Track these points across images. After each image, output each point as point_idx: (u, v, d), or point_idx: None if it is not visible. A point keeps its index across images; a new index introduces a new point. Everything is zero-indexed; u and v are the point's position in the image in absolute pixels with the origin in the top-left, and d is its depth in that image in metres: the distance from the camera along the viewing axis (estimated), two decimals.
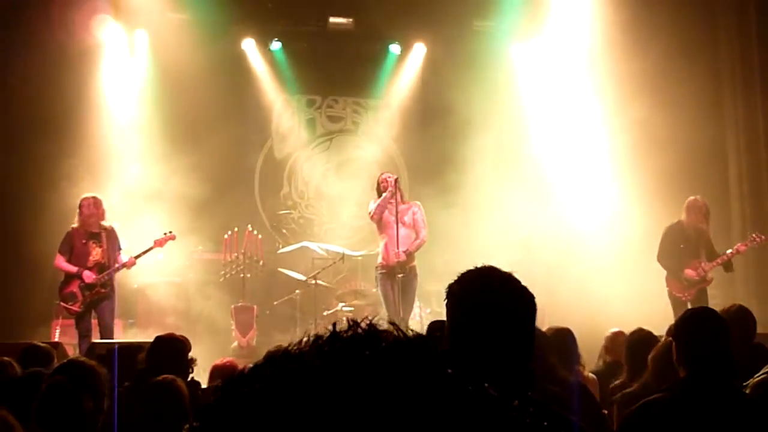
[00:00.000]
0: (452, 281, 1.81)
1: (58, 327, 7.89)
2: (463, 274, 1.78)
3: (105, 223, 7.63)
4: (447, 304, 1.77)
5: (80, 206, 7.58)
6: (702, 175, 9.67)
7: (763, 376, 3.13)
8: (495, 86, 10.58)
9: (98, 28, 9.91)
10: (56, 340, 7.65)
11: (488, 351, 1.68)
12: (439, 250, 9.99)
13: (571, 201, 10.32)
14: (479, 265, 1.81)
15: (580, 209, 10.24)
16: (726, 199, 9.98)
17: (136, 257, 7.77)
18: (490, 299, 1.72)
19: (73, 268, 7.47)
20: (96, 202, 7.59)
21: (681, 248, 7.80)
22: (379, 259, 8.08)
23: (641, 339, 4.26)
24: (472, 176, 10.27)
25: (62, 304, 7.52)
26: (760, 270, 9.44)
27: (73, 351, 7.57)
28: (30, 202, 9.27)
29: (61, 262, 7.54)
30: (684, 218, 7.85)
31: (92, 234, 7.55)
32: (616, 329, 5.41)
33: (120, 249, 7.74)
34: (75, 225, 7.59)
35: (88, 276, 7.45)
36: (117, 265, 7.64)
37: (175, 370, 3.75)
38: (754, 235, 7.96)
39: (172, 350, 4.21)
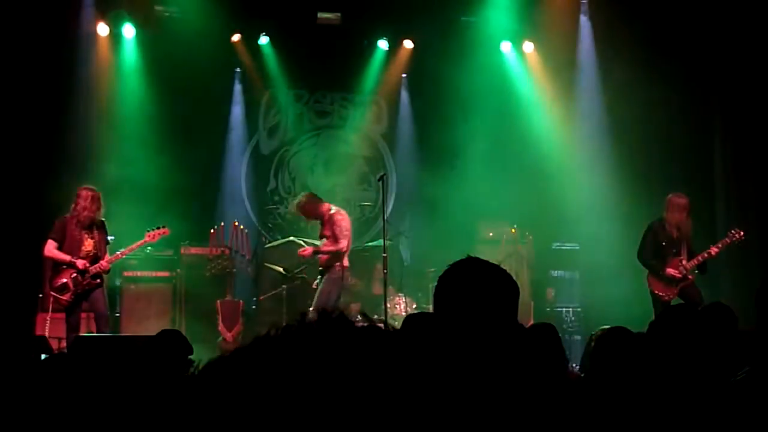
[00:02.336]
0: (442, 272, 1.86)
1: (46, 319, 7.75)
2: (450, 265, 1.83)
3: (98, 217, 7.54)
4: (434, 295, 1.82)
5: (78, 196, 7.46)
6: (686, 171, 9.75)
7: (743, 375, 3.18)
8: (483, 82, 10.61)
9: (86, 21, 9.88)
10: (47, 334, 7.59)
11: (472, 336, 1.73)
12: (426, 247, 10.06)
13: (559, 196, 10.37)
14: (464, 258, 1.86)
15: (568, 204, 10.30)
16: (710, 194, 10.05)
17: (128, 250, 7.81)
18: (475, 286, 1.76)
19: (66, 257, 7.33)
20: (94, 197, 7.49)
21: (663, 246, 7.76)
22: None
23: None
24: (460, 172, 10.31)
25: (53, 294, 7.37)
26: (743, 267, 9.50)
27: (57, 344, 7.53)
28: (13, 194, 9.18)
29: (53, 249, 7.38)
30: (666, 215, 7.80)
31: (86, 225, 7.45)
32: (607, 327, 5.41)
33: (108, 243, 7.70)
34: (69, 214, 7.47)
35: (82, 263, 7.33)
36: (113, 256, 7.61)
37: (174, 366, 3.76)
38: (733, 231, 7.93)
39: (174, 347, 4.19)
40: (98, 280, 7.47)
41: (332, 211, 8.13)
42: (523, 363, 1.82)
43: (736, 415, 2.54)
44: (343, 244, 7.96)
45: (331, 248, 7.98)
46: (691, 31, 10.07)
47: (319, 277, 8.24)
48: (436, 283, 1.86)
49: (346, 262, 8.11)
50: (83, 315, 7.59)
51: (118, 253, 7.73)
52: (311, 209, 8.25)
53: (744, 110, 9.76)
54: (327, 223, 8.10)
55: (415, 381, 0.74)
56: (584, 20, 10.80)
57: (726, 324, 3.94)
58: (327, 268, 8.04)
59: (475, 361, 1.67)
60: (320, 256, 8.16)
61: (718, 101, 10.11)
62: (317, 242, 10.00)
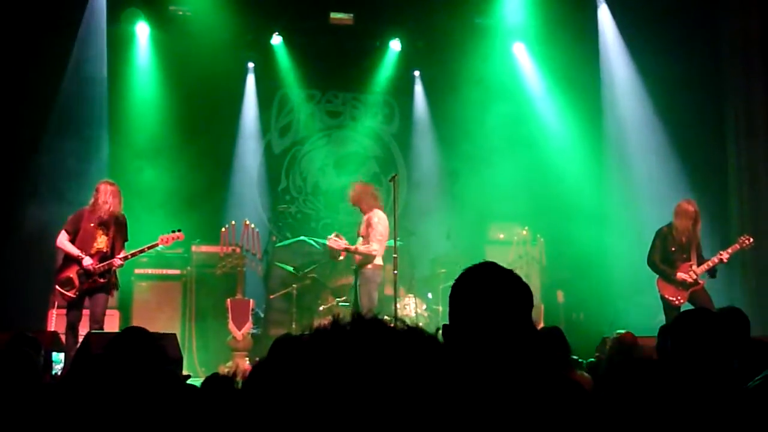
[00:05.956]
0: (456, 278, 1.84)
1: (54, 316, 7.70)
2: (464, 271, 1.82)
3: (117, 212, 7.31)
4: (450, 300, 1.81)
5: (97, 191, 7.26)
6: (700, 175, 9.69)
7: (758, 381, 3.14)
8: (495, 82, 10.59)
9: (98, 19, 9.92)
10: (53, 329, 7.57)
11: (487, 344, 1.72)
12: (437, 248, 10.04)
13: (571, 198, 10.33)
14: (480, 262, 1.85)
15: (580, 206, 10.26)
16: (724, 199, 9.98)
17: (139, 251, 7.50)
18: (490, 293, 1.75)
19: (75, 251, 7.13)
20: (114, 191, 7.27)
21: (672, 251, 7.74)
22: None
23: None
24: (472, 173, 10.28)
25: (57, 288, 7.20)
26: (755, 272, 9.44)
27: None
28: (28, 188, 9.22)
29: (64, 241, 7.19)
30: (675, 221, 7.77)
31: (102, 220, 7.23)
32: (622, 331, 5.41)
33: (126, 241, 7.46)
34: (87, 207, 7.27)
35: (88, 263, 7.12)
36: (120, 256, 7.29)
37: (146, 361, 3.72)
38: (743, 237, 7.89)
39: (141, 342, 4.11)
40: (104, 280, 7.20)
41: (370, 213, 7.97)
42: (532, 367, 1.81)
43: (754, 422, 2.52)
44: (374, 248, 7.81)
45: (363, 250, 7.91)
46: (700, 35, 10.02)
47: (354, 276, 8.07)
48: (446, 284, 1.86)
49: (379, 261, 7.95)
50: (86, 312, 7.37)
51: (128, 253, 7.42)
52: (359, 200, 8.09)
53: (758, 114, 9.69)
54: (365, 222, 8.00)
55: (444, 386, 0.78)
56: (594, 20, 10.76)
57: (740, 328, 3.91)
58: (360, 266, 7.93)
59: (491, 367, 1.66)
60: (355, 255, 8.00)
61: (733, 105, 10.04)
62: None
